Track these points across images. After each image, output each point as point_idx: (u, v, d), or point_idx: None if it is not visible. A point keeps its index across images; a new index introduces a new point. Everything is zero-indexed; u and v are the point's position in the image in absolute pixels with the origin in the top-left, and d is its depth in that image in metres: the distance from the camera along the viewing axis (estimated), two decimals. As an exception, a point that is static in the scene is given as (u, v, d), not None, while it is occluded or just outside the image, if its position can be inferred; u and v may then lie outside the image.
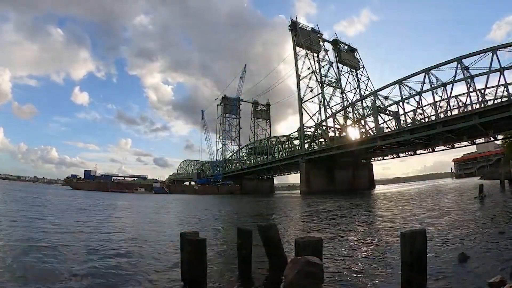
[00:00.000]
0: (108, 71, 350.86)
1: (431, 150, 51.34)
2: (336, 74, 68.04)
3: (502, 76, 32.42)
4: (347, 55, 70.15)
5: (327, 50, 68.92)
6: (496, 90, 34.90)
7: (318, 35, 68.22)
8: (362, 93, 66.70)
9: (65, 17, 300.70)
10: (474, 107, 35.87)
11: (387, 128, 46.42)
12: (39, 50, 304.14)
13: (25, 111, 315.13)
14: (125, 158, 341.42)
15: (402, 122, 46.12)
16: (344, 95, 67.27)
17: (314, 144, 59.65)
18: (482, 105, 34.99)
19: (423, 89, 39.73)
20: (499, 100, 33.97)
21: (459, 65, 35.23)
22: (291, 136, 67.14)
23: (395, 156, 58.15)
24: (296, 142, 64.67)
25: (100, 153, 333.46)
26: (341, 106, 61.99)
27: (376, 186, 69.34)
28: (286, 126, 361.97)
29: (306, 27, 67.42)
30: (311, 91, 62.88)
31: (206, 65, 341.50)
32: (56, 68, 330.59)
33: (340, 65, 69.46)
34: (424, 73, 38.99)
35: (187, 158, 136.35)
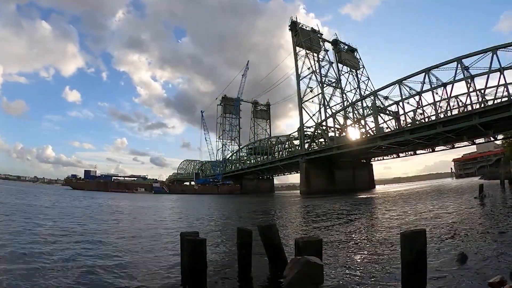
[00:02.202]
0: (97, 67, 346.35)
1: (431, 150, 51.41)
2: (336, 74, 68.05)
3: (502, 76, 32.43)
4: (347, 55, 70.13)
5: (327, 50, 68.99)
6: (496, 90, 34.91)
7: (318, 35, 68.21)
8: (362, 93, 66.71)
9: (49, 9, 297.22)
10: (474, 107, 35.86)
11: (387, 128, 46.41)
12: (27, 45, 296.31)
13: (16, 107, 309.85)
14: (121, 157, 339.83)
15: (402, 122, 46.13)
16: (344, 95, 67.33)
17: (314, 144, 59.64)
18: (482, 105, 34.99)
19: (423, 89, 39.75)
20: (499, 100, 33.97)
21: (459, 65, 35.23)
22: (291, 136, 67.16)
23: (395, 156, 58.20)
24: (296, 142, 64.67)
25: (96, 152, 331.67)
26: (341, 106, 62.01)
27: (376, 186, 69.38)
28: (287, 123, 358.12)
29: (306, 27, 67.42)
30: (311, 91, 62.89)
31: (201, 61, 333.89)
32: (45, 64, 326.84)
33: (340, 65, 69.46)
34: (424, 73, 38.99)
35: (184, 157, 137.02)
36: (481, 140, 45.39)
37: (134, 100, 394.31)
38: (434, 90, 38.82)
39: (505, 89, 32.85)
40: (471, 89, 35.70)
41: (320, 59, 66.37)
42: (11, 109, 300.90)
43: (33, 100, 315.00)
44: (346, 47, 71.75)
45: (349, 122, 53.48)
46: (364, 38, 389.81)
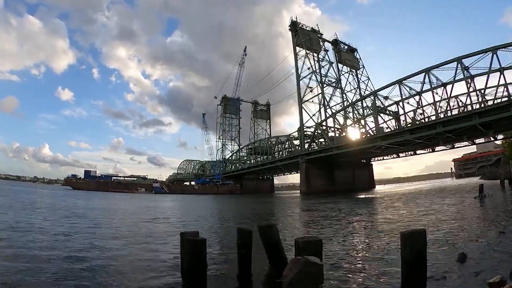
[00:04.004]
0: (89, 63, 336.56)
1: (431, 150, 51.44)
2: (336, 74, 68.10)
3: (502, 76, 32.43)
4: (347, 55, 70.17)
5: (327, 50, 69.07)
6: (496, 90, 34.92)
7: (318, 35, 68.25)
8: (362, 93, 66.76)
9: (35, 4, 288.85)
10: (474, 107, 35.87)
11: (387, 128, 46.42)
12: (17, 42, 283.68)
13: (8, 104, 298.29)
14: (118, 157, 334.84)
15: (402, 122, 46.14)
16: (344, 95, 67.38)
17: (314, 144, 59.66)
18: (482, 105, 34.99)
19: (423, 89, 39.76)
20: (499, 100, 33.97)
21: (459, 65, 35.24)
22: (291, 136, 67.19)
23: (395, 156, 58.22)
24: (296, 142, 64.70)
25: (93, 152, 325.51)
26: (341, 106, 62.04)
27: (376, 186, 69.38)
28: (287, 121, 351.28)
29: (306, 27, 67.46)
30: (311, 91, 62.95)
31: (195, 56, 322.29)
32: (36, 61, 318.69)
33: (340, 65, 69.52)
34: (424, 73, 39.01)
35: (181, 157, 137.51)
36: (481, 140, 45.40)
37: (126, 98, 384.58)
38: (434, 90, 38.84)
39: (505, 89, 32.88)
40: (471, 89, 35.72)
41: (320, 59, 66.44)
42: (3, 107, 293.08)
43: (26, 99, 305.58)
44: (346, 47, 71.82)
45: (349, 122, 53.54)
46: (368, 26, 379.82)
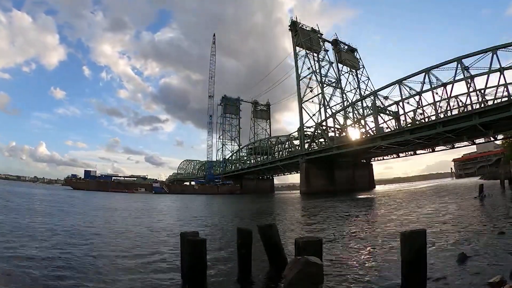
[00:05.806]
0: (79, 60, 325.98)
1: (431, 150, 51.45)
2: (336, 74, 68.10)
3: (502, 76, 32.42)
4: (347, 55, 70.19)
5: (327, 50, 69.07)
6: (496, 90, 34.90)
7: (318, 35, 68.27)
8: (362, 93, 66.77)
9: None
10: (474, 107, 35.86)
11: (387, 128, 46.42)
12: (7, 39, 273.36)
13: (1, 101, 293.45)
14: (115, 156, 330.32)
15: (402, 122, 46.14)
16: (344, 95, 67.37)
17: (314, 144, 59.65)
18: (482, 105, 34.99)
19: (423, 89, 39.76)
20: (499, 100, 33.97)
21: (459, 65, 35.23)
22: (291, 136, 67.21)
23: (395, 156, 58.24)
24: (296, 142, 64.70)
25: (89, 151, 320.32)
26: (341, 106, 62.03)
27: (376, 186, 69.37)
28: (287, 120, 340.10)
29: (306, 27, 67.48)
30: (311, 91, 62.95)
31: (191, 52, 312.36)
32: (27, 58, 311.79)
33: (340, 65, 69.54)
34: (424, 73, 39.01)
35: (179, 156, 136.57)
36: (481, 140, 45.40)
37: (119, 96, 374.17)
38: (434, 90, 38.82)
39: (505, 89, 32.86)
40: (471, 89, 35.70)
41: (320, 59, 66.44)
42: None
43: (20, 97, 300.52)
44: (346, 47, 71.86)
45: (349, 122, 53.52)
46: (371, 20, 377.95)
